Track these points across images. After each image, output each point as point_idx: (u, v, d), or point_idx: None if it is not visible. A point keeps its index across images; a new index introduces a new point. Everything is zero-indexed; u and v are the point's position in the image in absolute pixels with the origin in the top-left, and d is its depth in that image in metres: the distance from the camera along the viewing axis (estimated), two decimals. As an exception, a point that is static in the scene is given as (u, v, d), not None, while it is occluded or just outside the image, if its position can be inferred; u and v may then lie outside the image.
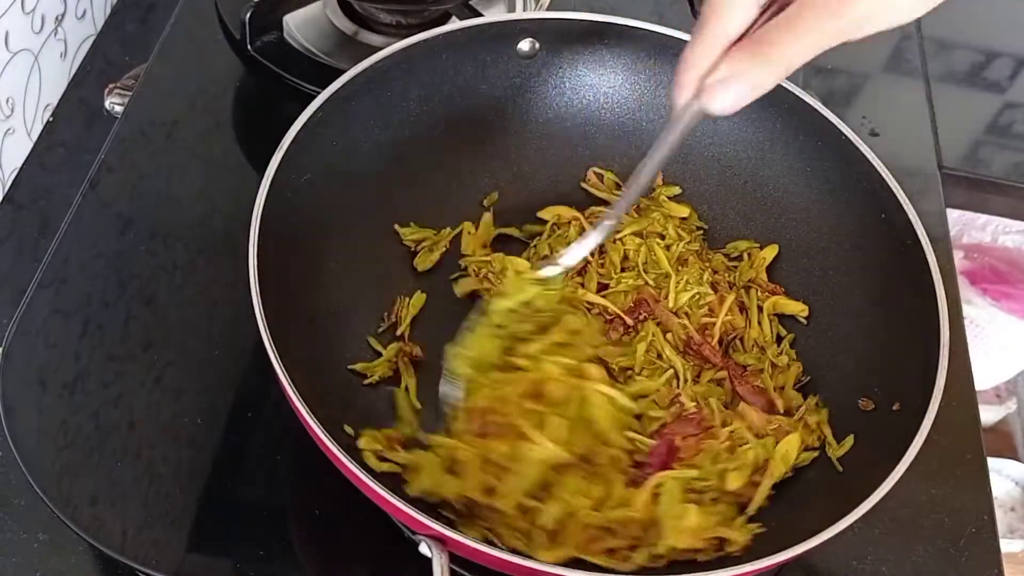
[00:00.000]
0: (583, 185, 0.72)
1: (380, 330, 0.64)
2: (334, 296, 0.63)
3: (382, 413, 0.60)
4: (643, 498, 0.54)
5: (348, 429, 0.57)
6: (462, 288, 0.66)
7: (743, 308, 0.66)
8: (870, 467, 0.52)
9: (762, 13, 0.45)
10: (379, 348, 0.63)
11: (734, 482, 0.56)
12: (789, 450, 0.58)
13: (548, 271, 0.59)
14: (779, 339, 0.65)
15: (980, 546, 0.63)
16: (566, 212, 0.70)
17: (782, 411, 0.61)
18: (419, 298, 0.66)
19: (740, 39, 0.45)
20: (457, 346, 0.58)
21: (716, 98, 0.46)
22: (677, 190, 0.71)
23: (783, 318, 0.66)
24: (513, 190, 0.71)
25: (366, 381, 0.61)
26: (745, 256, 0.69)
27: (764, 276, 0.67)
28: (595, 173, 0.72)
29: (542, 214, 0.70)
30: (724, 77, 0.45)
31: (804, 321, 0.65)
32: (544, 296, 0.59)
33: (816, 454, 0.59)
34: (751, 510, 0.56)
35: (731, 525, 0.54)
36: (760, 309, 0.66)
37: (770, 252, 0.68)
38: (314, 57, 0.81)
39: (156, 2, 0.97)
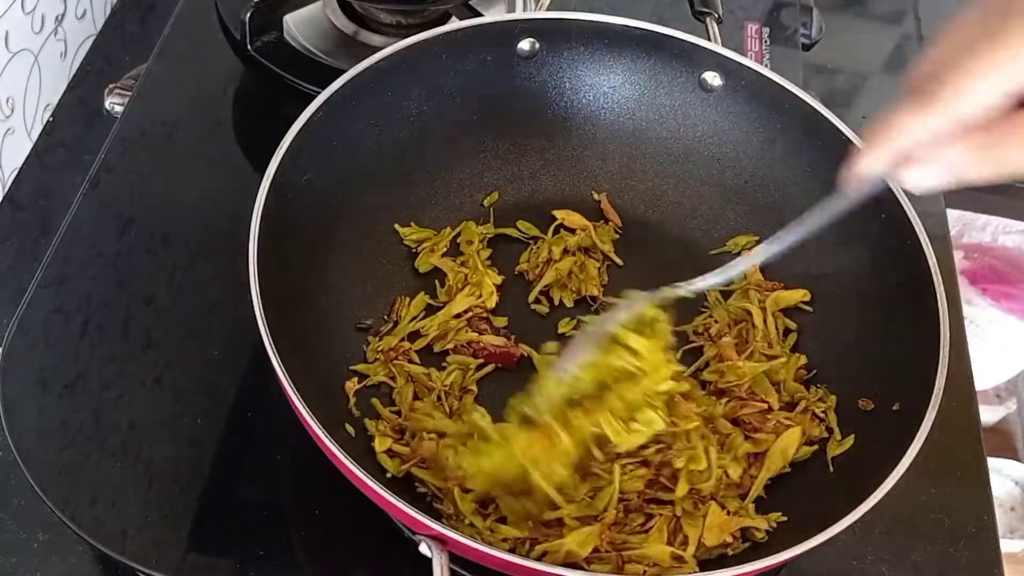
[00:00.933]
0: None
1: (381, 330, 0.64)
2: (334, 296, 0.63)
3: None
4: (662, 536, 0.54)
5: (348, 428, 0.57)
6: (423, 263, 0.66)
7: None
8: (870, 467, 0.52)
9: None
10: (379, 348, 0.63)
11: (733, 473, 0.57)
12: (787, 445, 0.58)
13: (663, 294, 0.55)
14: (787, 332, 0.65)
15: (980, 546, 0.63)
16: (578, 219, 0.70)
17: (778, 407, 0.61)
18: (421, 299, 0.66)
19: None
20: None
21: (914, 177, 0.41)
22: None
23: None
24: (513, 190, 0.71)
25: (366, 382, 0.61)
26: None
27: (759, 275, 0.68)
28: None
29: (557, 213, 0.70)
30: (933, 162, 0.40)
31: (805, 320, 0.65)
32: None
33: (816, 448, 0.59)
34: (748, 501, 0.56)
35: (749, 514, 0.55)
36: (763, 309, 0.66)
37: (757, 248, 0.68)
38: (314, 57, 0.81)
39: (156, 2, 0.97)
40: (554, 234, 0.70)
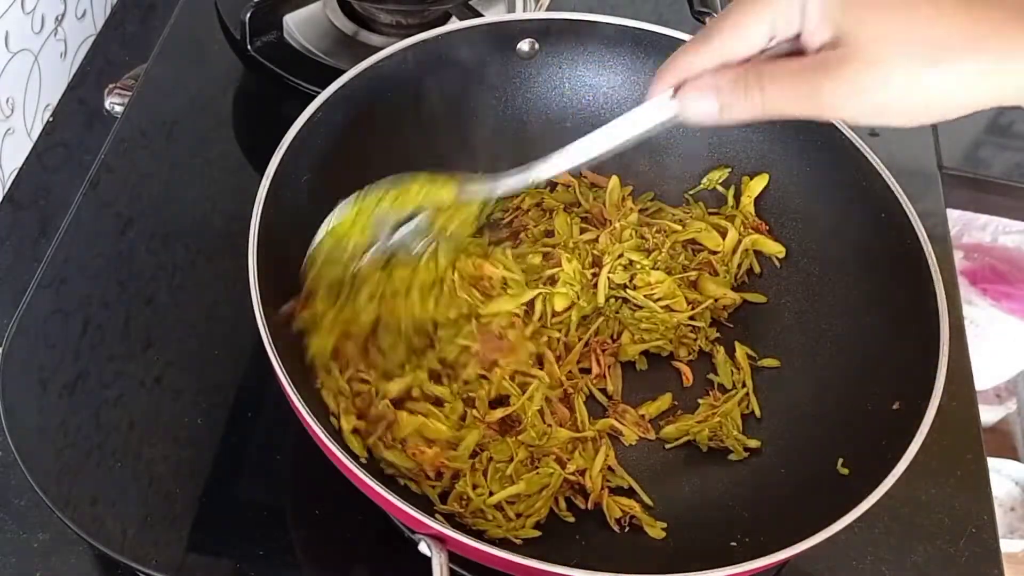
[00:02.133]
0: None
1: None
2: (334, 296, 0.63)
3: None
4: None
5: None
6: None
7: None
8: (870, 467, 0.52)
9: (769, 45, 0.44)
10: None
11: None
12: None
13: (472, 189, 0.59)
14: (750, 272, 0.68)
15: (980, 546, 0.63)
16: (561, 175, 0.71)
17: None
18: None
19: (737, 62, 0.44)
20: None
21: (688, 105, 0.46)
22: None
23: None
24: (513, 190, 0.71)
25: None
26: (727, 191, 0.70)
27: (752, 208, 0.69)
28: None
29: None
30: (703, 89, 0.45)
31: (804, 319, 0.65)
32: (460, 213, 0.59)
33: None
34: None
35: None
36: (740, 239, 0.68)
37: (759, 183, 0.68)
38: (314, 57, 0.81)
39: (156, 2, 0.97)
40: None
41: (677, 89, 0.46)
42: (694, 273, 0.67)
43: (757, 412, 0.63)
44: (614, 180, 0.71)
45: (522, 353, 0.61)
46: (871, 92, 0.40)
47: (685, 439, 0.62)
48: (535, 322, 0.63)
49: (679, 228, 0.68)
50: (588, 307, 0.64)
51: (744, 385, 0.64)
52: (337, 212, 0.56)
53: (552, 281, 0.65)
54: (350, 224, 0.56)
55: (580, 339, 0.64)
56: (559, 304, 0.64)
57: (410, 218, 0.57)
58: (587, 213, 0.70)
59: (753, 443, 0.61)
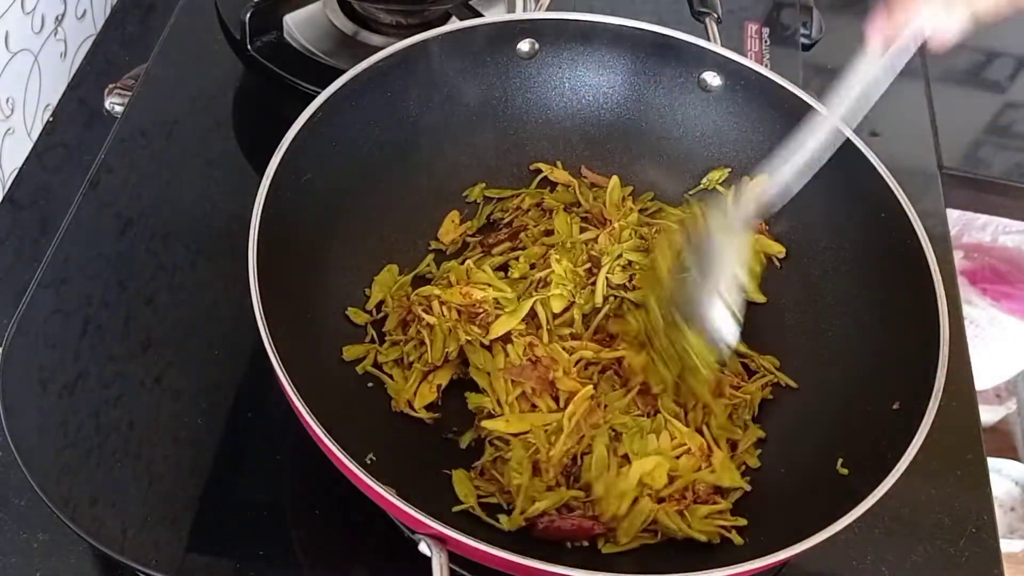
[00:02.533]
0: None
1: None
2: (334, 296, 0.63)
3: (382, 412, 0.60)
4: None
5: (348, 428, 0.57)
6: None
7: None
8: (870, 467, 0.52)
9: None
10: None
11: None
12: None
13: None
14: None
15: (980, 546, 0.63)
16: (562, 175, 0.71)
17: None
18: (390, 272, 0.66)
19: None
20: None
21: (919, 16, 0.49)
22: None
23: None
24: (513, 190, 0.71)
25: (356, 367, 0.61)
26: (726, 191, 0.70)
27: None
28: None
29: (541, 166, 0.71)
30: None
31: (804, 319, 0.65)
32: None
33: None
34: None
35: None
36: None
37: (759, 183, 0.68)
38: (314, 57, 0.81)
39: (156, 2, 0.97)
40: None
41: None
42: None
43: (792, 384, 0.63)
44: (614, 180, 0.71)
45: (561, 360, 0.60)
46: None
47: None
48: (545, 329, 0.62)
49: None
50: (587, 306, 0.64)
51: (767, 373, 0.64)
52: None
53: (545, 283, 0.64)
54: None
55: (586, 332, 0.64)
56: (556, 305, 0.63)
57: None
58: (587, 213, 0.70)
59: (759, 433, 0.61)
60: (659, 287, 0.60)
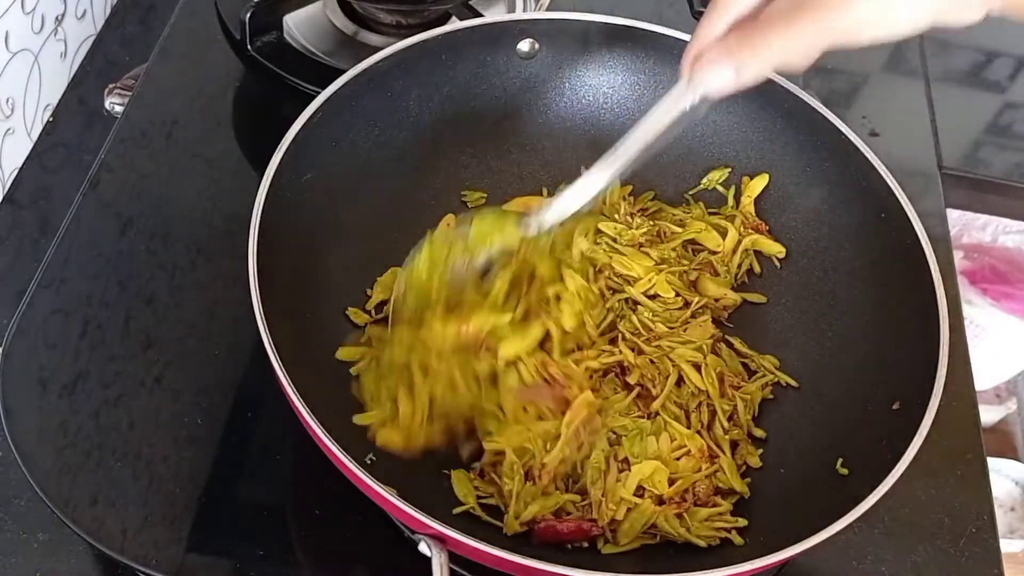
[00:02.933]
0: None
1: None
2: (334, 296, 0.63)
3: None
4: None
5: (349, 427, 0.57)
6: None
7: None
8: (870, 467, 0.52)
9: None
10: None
11: None
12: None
13: (533, 223, 0.58)
14: (749, 272, 0.68)
15: (980, 546, 0.63)
16: (534, 202, 0.70)
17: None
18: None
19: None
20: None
21: (703, 77, 0.46)
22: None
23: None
24: (513, 190, 0.71)
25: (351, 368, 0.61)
26: (727, 191, 0.70)
27: (752, 208, 0.68)
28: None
29: (508, 206, 0.70)
30: (713, 57, 0.45)
31: (804, 318, 0.65)
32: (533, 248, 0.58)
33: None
34: None
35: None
36: (740, 238, 0.68)
37: (759, 183, 0.68)
38: (314, 57, 0.81)
39: (156, 2, 0.97)
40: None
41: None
42: (694, 273, 0.67)
43: (792, 383, 0.63)
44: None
45: (576, 377, 0.59)
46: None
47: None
48: (557, 345, 0.60)
49: (679, 229, 0.68)
50: (597, 315, 0.63)
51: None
52: (408, 262, 0.57)
53: (557, 298, 0.62)
54: (426, 278, 0.57)
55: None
56: (568, 322, 0.61)
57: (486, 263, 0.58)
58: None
59: (759, 432, 0.61)
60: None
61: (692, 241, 0.68)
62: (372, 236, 0.66)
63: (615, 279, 0.65)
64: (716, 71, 0.45)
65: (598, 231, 0.68)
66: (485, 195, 0.71)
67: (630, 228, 0.68)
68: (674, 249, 0.67)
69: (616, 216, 0.69)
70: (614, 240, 0.67)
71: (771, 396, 0.63)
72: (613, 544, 0.56)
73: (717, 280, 0.67)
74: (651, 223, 0.69)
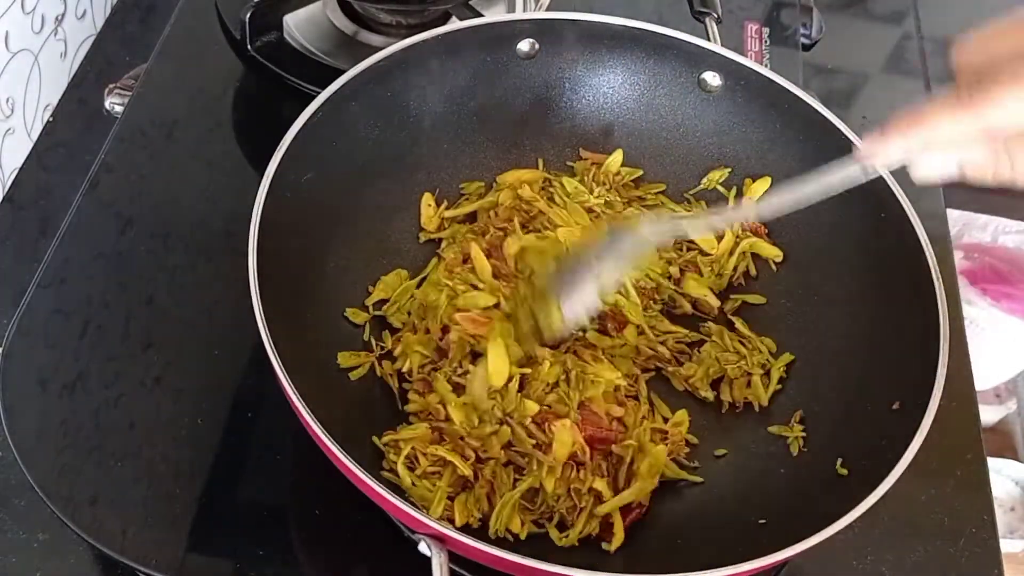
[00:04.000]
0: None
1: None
2: (334, 296, 0.63)
3: (381, 412, 0.60)
4: None
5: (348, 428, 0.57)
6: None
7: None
8: (870, 467, 0.52)
9: None
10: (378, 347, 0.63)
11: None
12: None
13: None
14: (747, 275, 0.68)
15: (980, 546, 0.63)
16: (528, 175, 0.70)
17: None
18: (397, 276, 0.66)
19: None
20: None
21: (933, 166, 0.44)
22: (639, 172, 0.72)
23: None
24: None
25: (351, 375, 0.61)
26: (728, 191, 0.70)
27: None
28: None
29: (502, 179, 0.71)
30: (962, 158, 0.43)
31: (804, 318, 0.65)
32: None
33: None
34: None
35: None
36: (737, 241, 0.68)
37: (762, 185, 0.68)
38: (314, 57, 0.81)
39: (156, 2, 0.97)
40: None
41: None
42: (676, 269, 0.67)
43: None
44: (617, 153, 0.71)
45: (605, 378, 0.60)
46: None
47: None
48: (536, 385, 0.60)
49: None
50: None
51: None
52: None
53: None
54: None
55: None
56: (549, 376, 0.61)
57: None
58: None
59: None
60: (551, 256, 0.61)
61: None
62: (372, 236, 0.66)
63: (548, 225, 0.67)
64: (942, 166, 0.44)
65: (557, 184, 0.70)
66: (483, 185, 0.71)
67: (590, 193, 0.69)
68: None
69: (586, 179, 0.70)
70: (568, 195, 0.69)
71: (779, 387, 0.64)
72: (614, 543, 0.56)
73: (700, 280, 0.67)
74: (620, 200, 0.69)
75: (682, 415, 0.62)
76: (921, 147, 0.44)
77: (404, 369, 0.62)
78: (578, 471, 0.57)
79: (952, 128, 0.42)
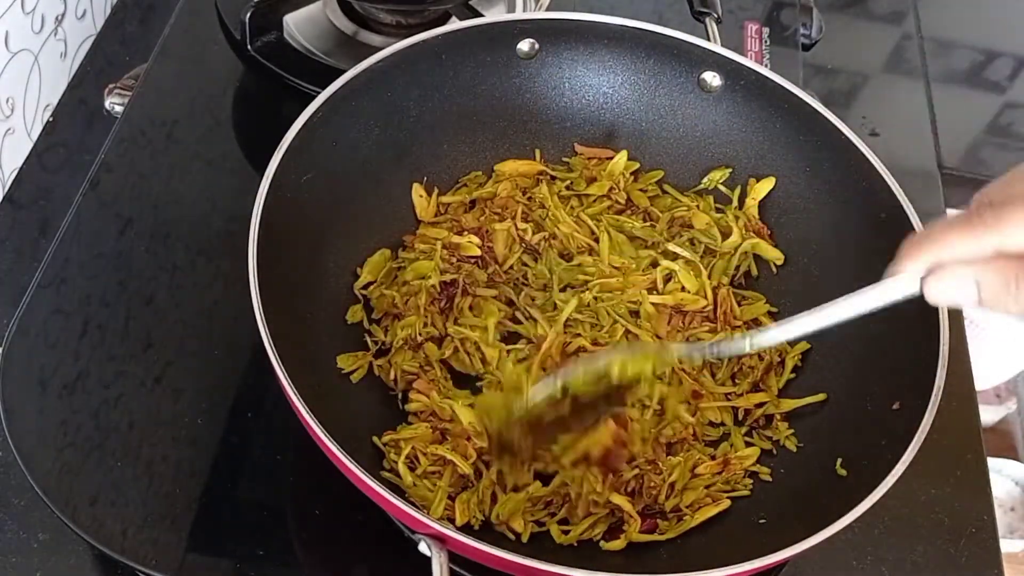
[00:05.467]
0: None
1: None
2: (334, 295, 0.63)
3: (381, 412, 0.60)
4: None
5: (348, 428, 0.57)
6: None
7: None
8: (869, 467, 0.52)
9: None
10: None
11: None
12: None
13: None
14: (747, 275, 0.68)
15: (980, 546, 0.63)
16: (525, 167, 0.70)
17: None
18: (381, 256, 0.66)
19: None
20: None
21: (942, 289, 0.43)
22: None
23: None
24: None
25: (351, 376, 0.61)
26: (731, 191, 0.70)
27: (756, 211, 0.68)
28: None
29: (501, 168, 0.70)
30: (965, 277, 0.42)
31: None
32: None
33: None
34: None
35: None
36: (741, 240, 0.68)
37: (765, 186, 0.68)
38: (314, 57, 0.81)
39: (156, 2, 0.97)
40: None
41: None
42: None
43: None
44: (622, 154, 0.71)
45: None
46: None
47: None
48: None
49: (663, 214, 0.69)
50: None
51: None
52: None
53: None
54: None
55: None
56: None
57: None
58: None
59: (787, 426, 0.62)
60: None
61: (687, 225, 0.69)
62: (372, 236, 0.66)
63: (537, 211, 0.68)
64: (960, 291, 0.43)
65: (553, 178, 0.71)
66: (481, 174, 0.71)
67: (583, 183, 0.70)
68: (661, 233, 0.68)
69: (584, 174, 0.71)
70: (567, 186, 0.70)
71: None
72: (615, 542, 0.56)
73: (694, 281, 0.67)
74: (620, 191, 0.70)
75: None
76: (934, 264, 0.43)
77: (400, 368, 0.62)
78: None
79: (966, 246, 0.42)
